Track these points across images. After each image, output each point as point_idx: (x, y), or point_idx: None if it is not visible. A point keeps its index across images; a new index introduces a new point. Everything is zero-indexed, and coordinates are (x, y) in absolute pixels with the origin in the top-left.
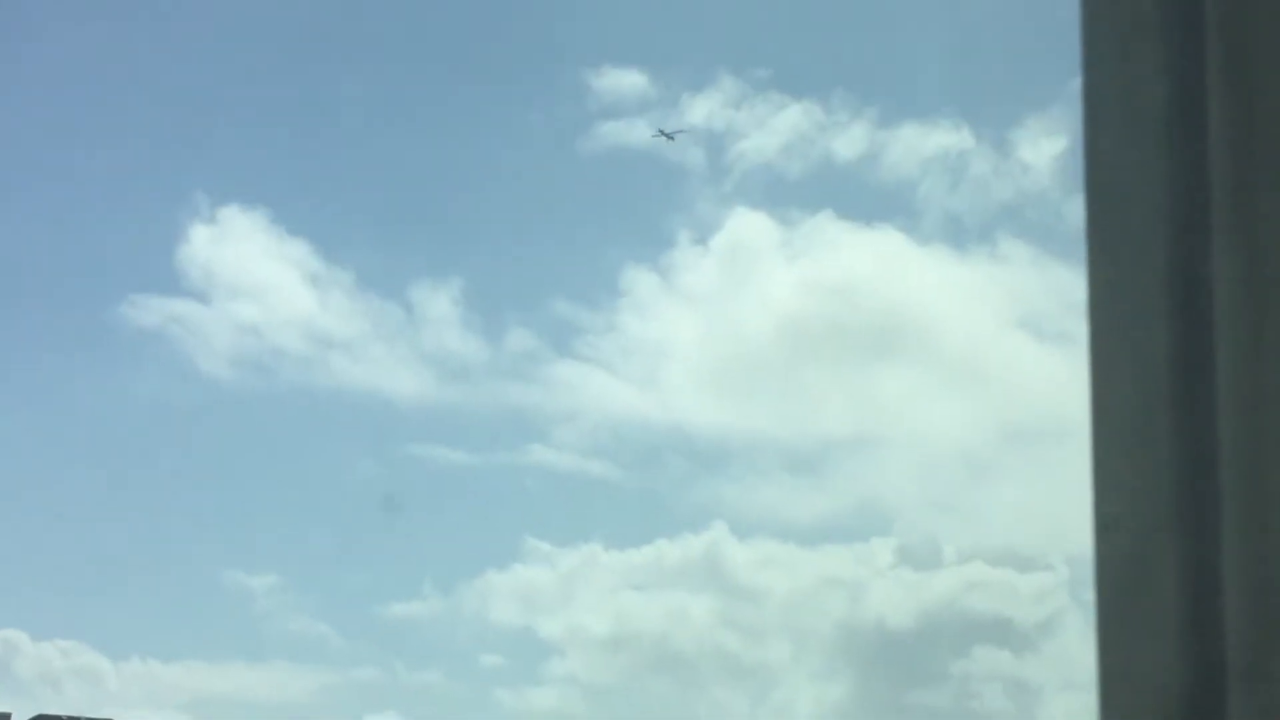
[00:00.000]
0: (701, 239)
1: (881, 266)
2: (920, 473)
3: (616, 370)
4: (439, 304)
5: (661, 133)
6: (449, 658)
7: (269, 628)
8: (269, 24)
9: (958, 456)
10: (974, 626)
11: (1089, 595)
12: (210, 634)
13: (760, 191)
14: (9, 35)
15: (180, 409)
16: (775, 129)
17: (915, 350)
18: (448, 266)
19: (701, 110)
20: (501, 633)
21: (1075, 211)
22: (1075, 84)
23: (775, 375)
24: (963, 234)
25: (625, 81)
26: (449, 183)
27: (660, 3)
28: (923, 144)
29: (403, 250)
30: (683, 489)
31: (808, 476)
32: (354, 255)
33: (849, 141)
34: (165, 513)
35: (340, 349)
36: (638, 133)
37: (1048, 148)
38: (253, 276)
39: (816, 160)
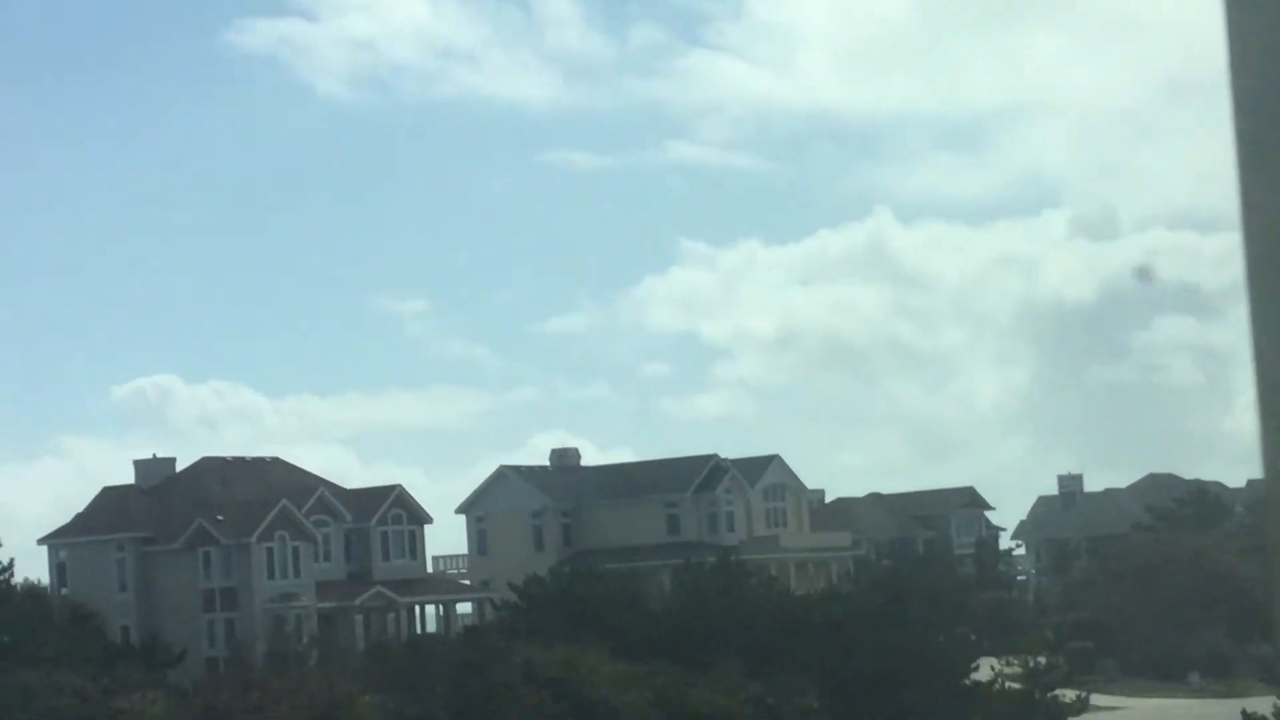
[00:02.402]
0: None
1: None
2: (1084, 138)
3: (750, 57)
4: (558, 2)
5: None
6: (611, 370)
7: (423, 353)
8: None
9: (1122, 117)
10: (1156, 295)
11: None
12: (364, 364)
13: None
14: None
15: (301, 134)
16: None
17: (1062, 8)
18: None
19: None
20: (664, 340)
21: None
22: None
23: (916, 48)
24: None
25: None
26: None
27: None
28: None
29: None
30: (836, 176)
31: (966, 152)
32: None
33: None
34: (301, 243)
35: (460, 58)
36: None
37: None
38: None
39: None
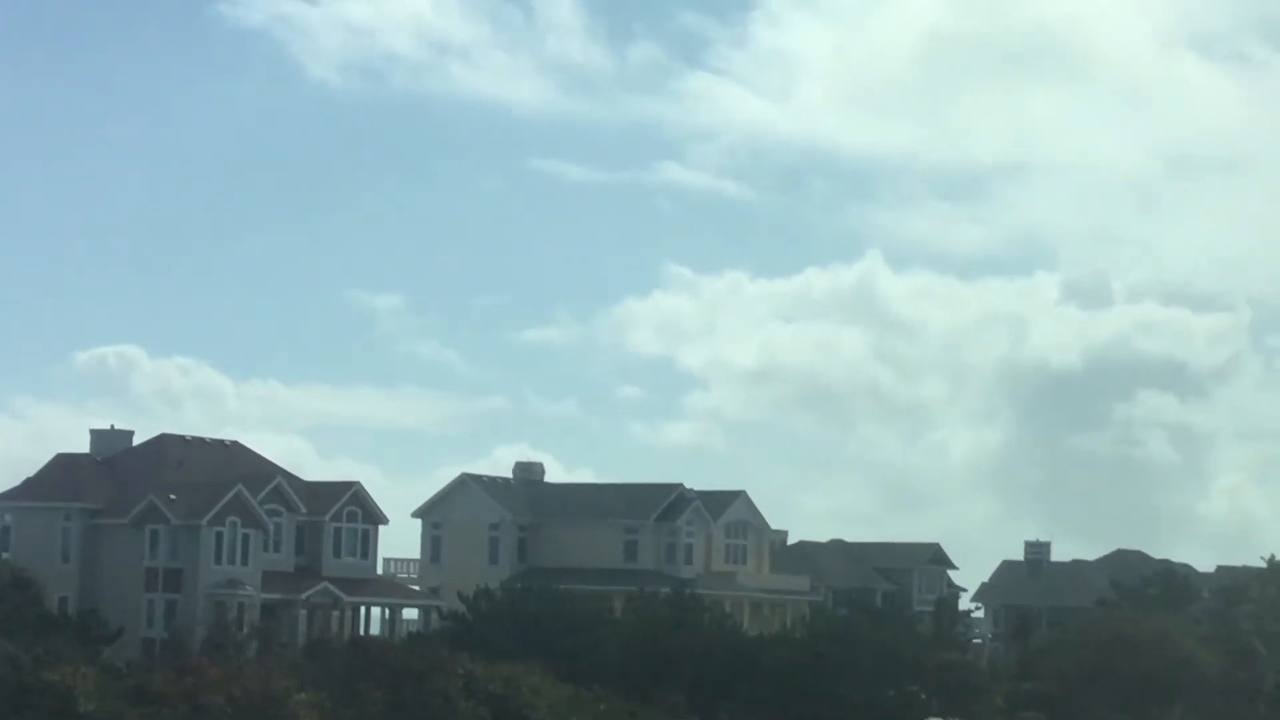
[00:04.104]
0: None
1: None
2: (1083, 202)
3: (750, 84)
4: (560, 9)
5: None
6: (584, 388)
7: (394, 350)
8: None
9: (1122, 185)
10: (1142, 369)
11: (1273, 339)
12: (333, 356)
13: None
14: None
15: (288, 117)
16: None
17: (1070, 70)
18: None
19: None
20: (640, 363)
21: None
22: None
23: (918, 94)
24: None
25: None
26: None
27: None
28: None
29: None
30: (828, 214)
31: (962, 204)
32: None
33: None
34: (280, 227)
35: (456, 55)
36: None
37: None
38: None
39: None
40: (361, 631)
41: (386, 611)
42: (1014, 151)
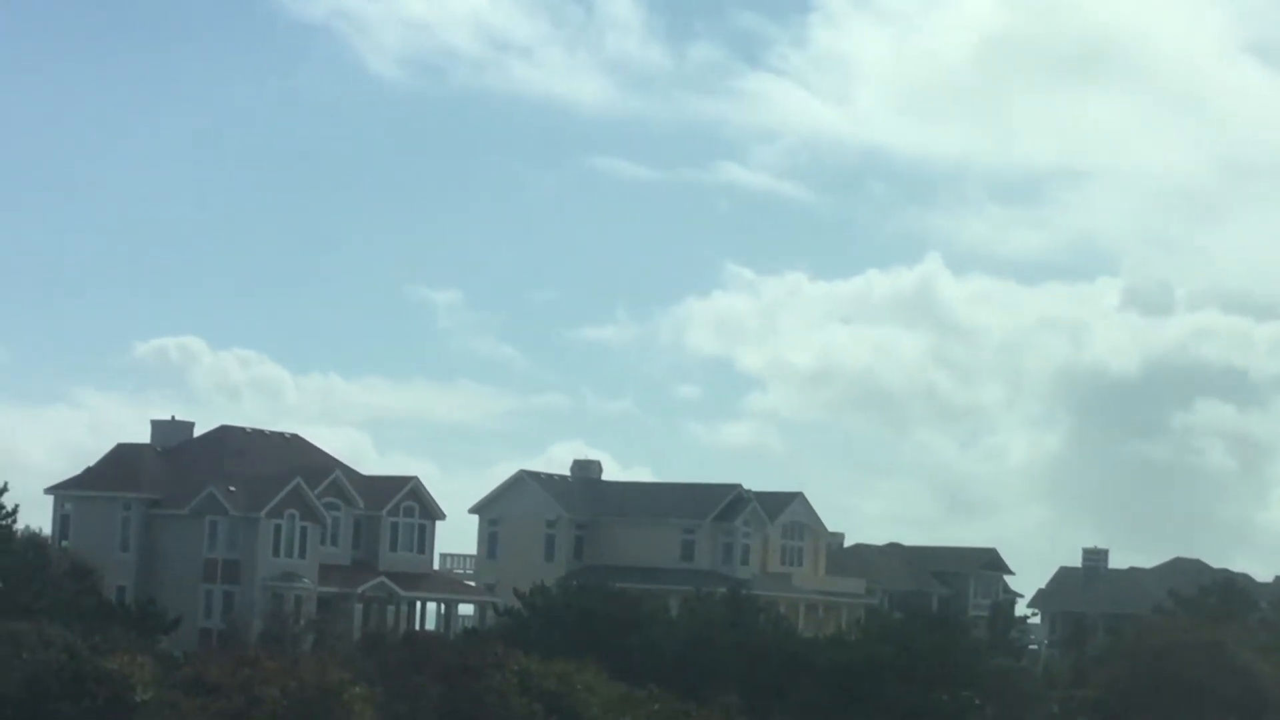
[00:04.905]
0: None
1: None
2: (1143, 209)
3: (809, 85)
4: (620, 7)
5: None
6: (642, 387)
7: (452, 346)
8: None
9: (1182, 192)
10: (1202, 377)
11: None
12: (392, 350)
13: None
14: None
15: (348, 111)
16: None
17: (1129, 75)
18: None
19: None
20: (699, 363)
21: None
22: None
23: (976, 98)
24: None
25: None
26: None
27: None
28: None
29: None
30: (887, 217)
31: (1021, 208)
32: None
33: None
34: (339, 221)
35: (516, 52)
36: None
37: None
38: None
39: None
40: (417, 626)
41: (442, 607)
42: (1072, 156)
